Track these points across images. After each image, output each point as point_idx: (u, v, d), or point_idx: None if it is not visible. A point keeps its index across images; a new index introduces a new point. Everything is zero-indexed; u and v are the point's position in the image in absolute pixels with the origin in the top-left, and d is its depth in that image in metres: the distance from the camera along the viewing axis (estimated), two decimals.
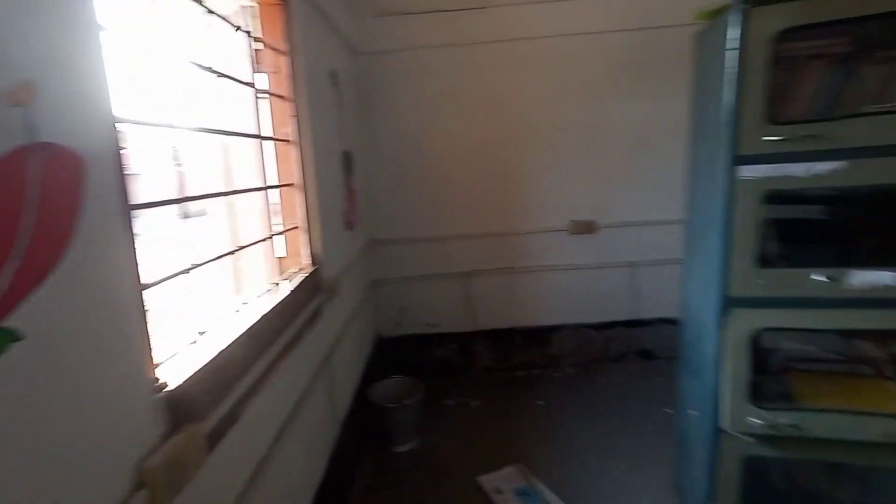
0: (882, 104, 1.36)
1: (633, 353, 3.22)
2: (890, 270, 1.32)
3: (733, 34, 1.34)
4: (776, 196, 1.40)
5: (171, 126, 1.06)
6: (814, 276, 1.37)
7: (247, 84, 1.53)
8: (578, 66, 2.92)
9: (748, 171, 1.37)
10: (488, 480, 2.17)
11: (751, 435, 1.48)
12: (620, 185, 3.03)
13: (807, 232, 1.62)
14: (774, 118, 1.36)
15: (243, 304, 1.43)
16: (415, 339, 3.22)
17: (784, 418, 1.44)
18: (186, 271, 1.08)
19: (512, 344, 3.25)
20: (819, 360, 1.61)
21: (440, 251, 3.14)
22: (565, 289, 3.17)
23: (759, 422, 1.45)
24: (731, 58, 1.36)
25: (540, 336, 3.23)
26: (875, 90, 1.43)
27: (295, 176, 1.84)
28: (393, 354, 3.17)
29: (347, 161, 2.55)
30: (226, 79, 1.35)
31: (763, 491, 1.58)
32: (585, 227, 3.06)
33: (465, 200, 3.08)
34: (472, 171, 3.05)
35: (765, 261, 1.43)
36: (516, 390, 2.99)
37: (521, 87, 2.96)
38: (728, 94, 1.38)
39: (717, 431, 1.52)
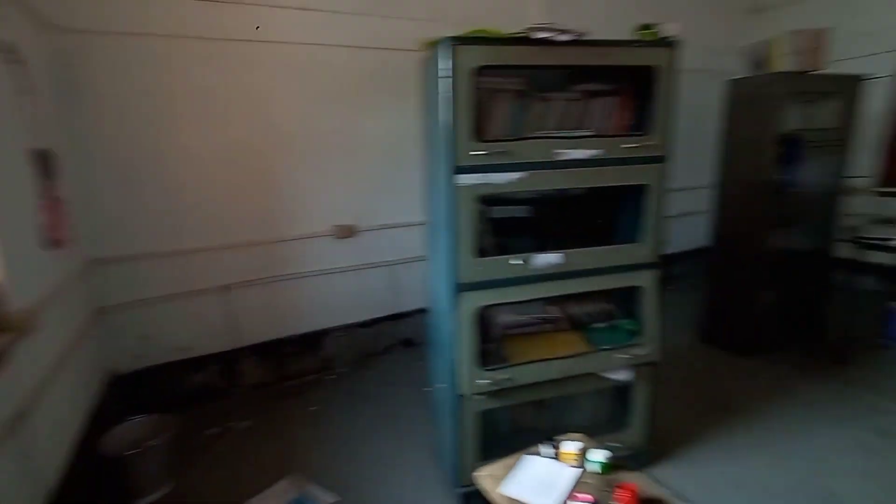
0: (543, 130, 1.86)
1: (398, 343, 3.52)
2: (557, 253, 1.83)
3: (445, 65, 1.62)
4: (486, 199, 1.77)
5: None
6: (511, 262, 1.78)
7: None
8: (333, 76, 3.01)
9: (464, 179, 1.69)
10: (258, 501, 2.07)
11: (482, 394, 1.84)
12: (376, 191, 3.26)
13: (510, 227, 2.08)
14: (481, 136, 1.71)
15: None
16: (164, 369, 2.79)
17: (502, 375, 1.84)
18: None
19: (282, 355, 3.14)
20: (524, 325, 2.10)
21: (191, 265, 2.80)
22: (333, 291, 3.24)
23: (486, 381, 1.82)
24: (445, 84, 1.64)
25: (312, 341, 3.22)
26: (541, 120, 1.94)
27: None
28: (135, 392, 2.68)
29: (45, 162, 2.04)
30: None
31: (493, 436, 1.98)
32: (347, 231, 3.20)
33: (220, 207, 2.83)
34: (226, 176, 2.82)
35: (482, 251, 1.79)
36: (289, 401, 2.92)
37: (278, 91, 2.89)
38: (445, 114, 1.66)
39: (458, 397, 1.84)
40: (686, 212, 4.68)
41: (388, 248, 3.35)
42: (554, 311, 2.16)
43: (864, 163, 4.26)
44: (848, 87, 3.18)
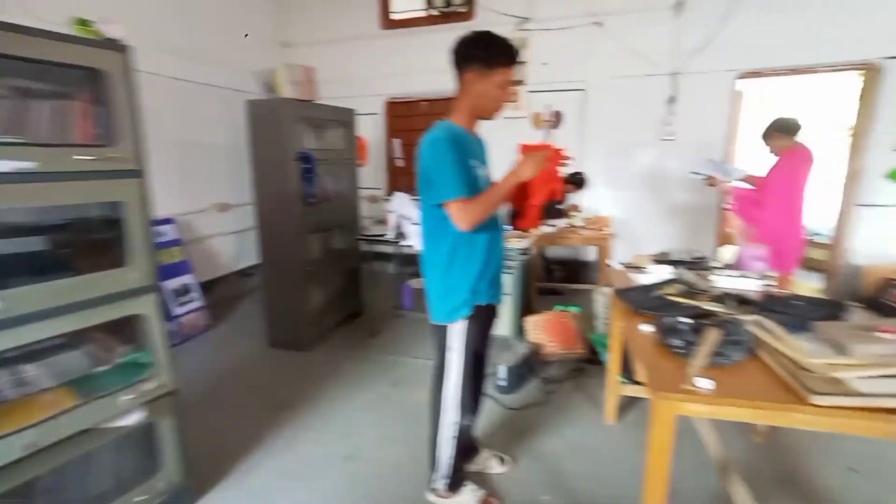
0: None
1: None
2: None
3: None
4: None
5: None
6: None
7: None
8: None
9: None
10: None
11: None
12: None
13: None
14: None
15: None
16: None
17: None
18: None
19: None
20: None
21: None
22: None
23: None
24: None
25: None
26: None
27: None
28: None
29: None
30: None
31: None
32: None
33: None
34: None
35: None
36: None
37: None
38: None
39: None
40: (251, 226, 4.81)
41: None
42: (27, 370, 1.67)
43: (378, 177, 5.55)
44: (346, 118, 3.98)
